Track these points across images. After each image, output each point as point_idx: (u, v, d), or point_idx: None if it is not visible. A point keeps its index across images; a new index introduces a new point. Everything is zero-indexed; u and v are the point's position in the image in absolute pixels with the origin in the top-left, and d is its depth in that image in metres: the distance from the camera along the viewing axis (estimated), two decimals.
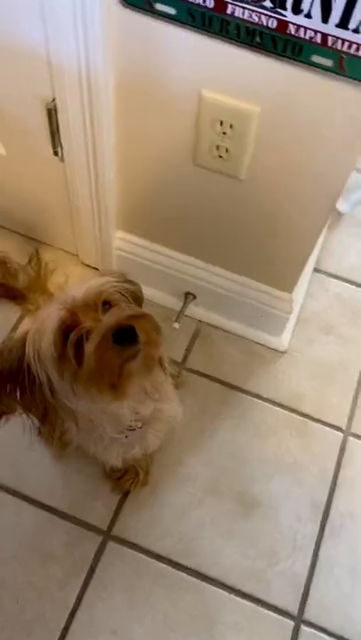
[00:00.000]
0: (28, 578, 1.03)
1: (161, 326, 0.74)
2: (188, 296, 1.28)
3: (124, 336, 0.67)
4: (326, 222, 0.98)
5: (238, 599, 1.04)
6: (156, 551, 1.06)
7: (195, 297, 1.28)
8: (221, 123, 0.86)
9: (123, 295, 0.76)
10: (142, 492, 1.10)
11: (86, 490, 1.10)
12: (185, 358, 1.26)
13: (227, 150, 0.90)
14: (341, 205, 1.47)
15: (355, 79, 0.73)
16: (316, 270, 1.40)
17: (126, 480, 1.07)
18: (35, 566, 1.04)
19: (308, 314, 1.34)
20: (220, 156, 0.91)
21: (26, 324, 1.03)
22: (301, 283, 1.33)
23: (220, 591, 1.04)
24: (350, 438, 1.20)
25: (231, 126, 0.86)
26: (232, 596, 1.04)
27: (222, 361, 1.27)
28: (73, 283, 1.14)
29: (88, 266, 1.33)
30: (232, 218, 1.04)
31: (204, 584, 1.05)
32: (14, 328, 1.25)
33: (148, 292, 1.29)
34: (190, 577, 1.05)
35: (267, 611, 1.03)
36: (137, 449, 0.90)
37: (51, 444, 1.07)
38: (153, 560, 1.05)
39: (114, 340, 0.67)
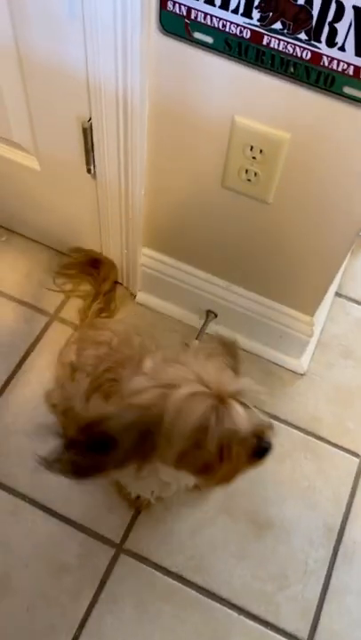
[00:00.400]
0: (39, 587, 1.04)
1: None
2: (210, 314, 1.29)
3: (265, 451, 0.72)
4: (352, 246, 0.99)
5: (247, 621, 1.04)
6: (168, 567, 1.06)
7: (216, 315, 1.29)
8: (252, 148, 0.88)
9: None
10: (157, 507, 1.10)
11: (102, 502, 1.11)
12: None
13: (255, 174, 0.92)
14: None
15: None
16: (337, 294, 1.41)
17: (143, 500, 1.08)
18: (47, 576, 1.05)
19: (329, 337, 1.35)
20: (249, 180, 0.94)
21: (75, 340, 1.05)
22: (323, 306, 1.34)
23: (230, 611, 1.04)
24: None
25: (261, 151, 0.88)
26: (241, 617, 1.04)
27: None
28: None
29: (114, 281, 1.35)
30: (258, 240, 1.06)
31: (213, 603, 1.04)
32: (38, 338, 1.28)
33: (169, 308, 1.33)
34: (200, 595, 1.04)
35: (275, 634, 1.03)
36: (174, 486, 0.92)
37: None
38: (164, 576, 1.05)
39: (255, 454, 0.72)
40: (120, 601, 1.03)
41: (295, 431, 1.22)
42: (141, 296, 1.34)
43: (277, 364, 1.30)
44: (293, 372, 1.29)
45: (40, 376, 1.23)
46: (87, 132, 0.98)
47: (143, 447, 0.70)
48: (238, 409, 0.69)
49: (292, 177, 0.91)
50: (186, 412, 0.67)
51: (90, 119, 0.97)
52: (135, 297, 1.34)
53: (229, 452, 0.70)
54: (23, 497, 1.10)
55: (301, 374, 1.29)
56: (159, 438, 0.69)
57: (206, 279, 1.22)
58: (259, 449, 0.72)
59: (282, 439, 1.21)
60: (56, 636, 1.00)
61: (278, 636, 1.03)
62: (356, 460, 1.20)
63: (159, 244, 1.21)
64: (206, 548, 1.09)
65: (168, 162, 0.99)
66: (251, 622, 1.04)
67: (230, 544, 1.09)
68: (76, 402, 0.92)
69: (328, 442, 1.21)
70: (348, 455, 1.20)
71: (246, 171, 0.92)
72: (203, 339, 1.27)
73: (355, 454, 1.20)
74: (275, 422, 1.22)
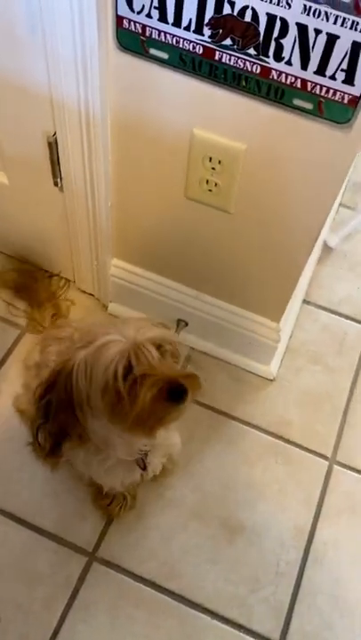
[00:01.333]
0: (12, 596, 1.04)
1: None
2: (180, 323, 1.31)
3: (177, 394, 0.73)
4: (310, 254, 1.02)
5: (221, 624, 1.04)
6: (140, 574, 1.07)
7: (186, 324, 1.32)
8: (211, 159, 0.92)
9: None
10: (129, 514, 1.11)
11: (74, 511, 1.11)
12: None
13: (216, 184, 0.95)
14: (331, 240, 1.53)
15: (332, 121, 0.78)
16: (305, 302, 1.44)
17: (115, 506, 1.09)
18: (20, 585, 1.05)
19: (297, 344, 1.38)
20: (210, 190, 0.97)
21: (39, 341, 1.06)
22: (291, 313, 1.37)
23: (203, 616, 1.05)
24: (335, 467, 1.21)
25: (220, 162, 0.92)
26: (215, 621, 1.05)
27: (212, 387, 1.30)
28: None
29: (84, 292, 1.37)
30: (222, 249, 1.09)
31: (186, 608, 1.05)
32: (9, 351, 1.29)
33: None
34: (173, 601, 1.05)
35: (248, 636, 1.04)
36: (137, 474, 0.94)
37: (42, 458, 1.12)
38: (137, 583, 1.06)
39: (167, 396, 0.73)
40: (93, 608, 1.04)
41: (266, 435, 1.24)
42: (113, 307, 1.35)
43: (247, 371, 1.32)
44: (263, 377, 1.32)
45: (12, 387, 1.23)
46: (52, 146, 1.01)
47: (75, 402, 0.75)
48: (147, 350, 0.73)
49: (250, 186, 0.94)
50: (98, 360, 0.73)
51: (55, 133, 0.99)
52: (107, 308, 1.36)
53: (141, 395, 0.72)
54: None
55: (271, 380, 1.32)
56: (83, 392, 0.75)
57: (176, 288, 1.24)
58: (171, 391, 0.73)
59: (253, 443, 1.23)
60: None
61: (251, 639, 1.04)
62: (326, 463, 1.22)
63: (129, 255, 1.23)
64: (179, 554, 1.10)
65: (132, 174, 1.02)
66: (224, 626, 1.04)
67: (202, 549, 1.11)
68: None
69: (298, 445, 1.24)
70: (317, 458, 1.22)
71: (207, 181, 0.95)
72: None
73: (324, 457, 1.23)
74: (247, 427, 1.25)
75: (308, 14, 0.68)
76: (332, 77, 0.73)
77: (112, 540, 1.10)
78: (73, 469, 1.05)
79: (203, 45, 0.77)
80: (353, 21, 0.67)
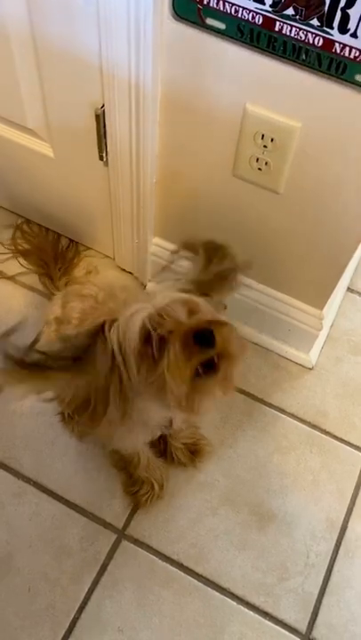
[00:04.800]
0: (41, 568, 1.05)
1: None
2: (220, 306, 1.29)
3: (203, 337, 0.68)
4: (358, 240, 0.98)
5: (246, 610, 1.04)
6: (168, 554, 1.07)
7: (225, 307, 1.29)
8: (263, 136, 0.88)
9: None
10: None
11: (105, 487, 1.12)
12: None
13: (266, 163, 0.92)
14: None
15: None
16: (349, 290, 1.40)
17: (142, 494, 1.08)
18: (49, 558, 1.06)
19: (339, 333, 1.34)
20: (260, 169, 0.93)
21: (54, 307, 1.04)
22: (334, 301, 1.33)
23: (229, 601, 1.04)
24: None
25: (272, 140, 0.88)
26: (240, 606, 1.04)
27: (249, 372, 1.28)
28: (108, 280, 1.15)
29: (123, 270, 1.36)
30: (268, 231, 1.05)
31: (213, 592, 1.05)
32: None
33: None
34: (200, 583, 1.05)
35: (274, 625, 1.03)
36: (157, 430, 0.93)
37: (71, 427, 1.13)
38: (164, 563, 1.06)
39: (194, 340, 0.68)
40: (120, 586, 1.04)
41: (301, 424, 1.22)
42: (151, 286, 1.34)
43: (286, 358, 1.29)
44: (302, 365, 1.29)
45: None
46: (100, 119, 0.99)
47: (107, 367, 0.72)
48: (171, 309, 0.69)
49: (302, 167, 0.90)
50: (129, 329, 0.70)
51: (103, 105, 0.97)
52: (145, 287, 1.34)
53: (169, 349, 0.68)
54: (28, 480, 1.12)
55: (310, 368, 1.29)
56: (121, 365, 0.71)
57: None
58: (197, 335, 0.68)
59: (287, 432, 1.21)
60: (55, 617, 1.01)
61: (277, 627, 1.03)
62: None
63: (170, 234, 1.21)
64: (207, 538, 1.09)
65: (180, 150, 1.00)
66: (250, 612, 1.04)
67: (232, 534, 1.10)
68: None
69: (334, 436, 1.21)
70: (353, 450, 1.19)
71: (257, 159, 0.92)
72: None
73: (360, 449, 1.20)
74: (282, 415, 1.23)
75: None
76: None
77: (141, 519, 1.09)
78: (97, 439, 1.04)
79: (263, 15, 0.73)
80: None
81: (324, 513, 1.13)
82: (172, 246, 1.22)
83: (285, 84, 0.80)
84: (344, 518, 1.12)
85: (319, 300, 1.15)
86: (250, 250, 1.12)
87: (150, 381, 0.71)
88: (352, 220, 0.94)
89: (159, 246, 1.24)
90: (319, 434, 1.21)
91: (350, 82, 0.75)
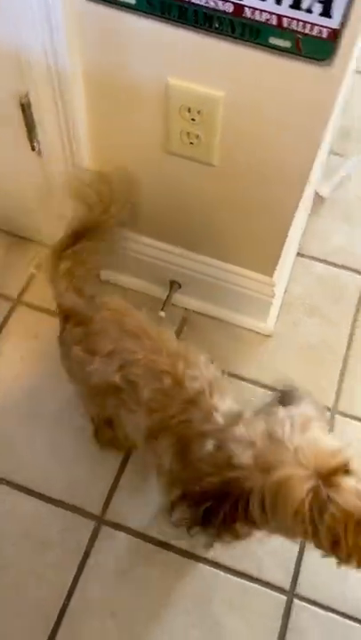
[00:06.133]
0: (26, 565, 1.05)
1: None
2: (174, 284, 1.30)
3: None
4: (299, 203, 1.00)
5: (232, 577, 1.06)
6: (150, 534, 1.08)
7: (180, 285, 1.30)
8: (189, 109, 0.88)
9: None
10: (135, 477, 1.12)
11: (79, 477, 1.12)
12: None
13: (197, 136, 0.92)
14: (323, 189, 1.49)
15: (312, 58, 0.74)
16: (299, 254, 1.42)
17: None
18: (32, 553, 1.06)
19: (293, 298, 1.36)
20: (192, 143, 0.93)
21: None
22: (284, 267, 1.35)
23: (215, 570, 1.06)
24: (338, 417, 1.21)
25: (199, 112, 0.88)
26: (227, 575, 1.06)
27: (210, 347, 1.26)
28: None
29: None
30: (209, 204, 1.06)
31: (198, 564, 1.07)
32: (2, 325, 1.28)
33: (134, 282, 1.33)
34: (185, 558, 1.06)
35: (259, 586, 1.05)
36: None
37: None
38: (147, 542, 1.07)
39: None
40: (104, 570, 1.05)
41: (265, 390, 1.24)
42: (105, 274, 1.33)
43: (245, 328, 1.31)
44: (261, 333, 1.31)
45: (9, 361, 1.23)
46: (26, 108, 0.97)
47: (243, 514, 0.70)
48: (345, 486, 0.63)
49: (233, 136, 0.91)
50: (284, 499, 0.65)
51: (27, 94, 0.96)
52: (99, 275, 1.34)
53: (347, 538, 0.64)
54: (0, 480, 1.11)
55: (269, 335, 1.31)
56: (261, 515, 0.69)
57: (166, 249, 1.22)
58: None
59: (253, 398, 1.23)
60: (45, 609, 1.02)
61: (262, 588, 1.05)
62: (328, 414, 1.22)
63: None
64: None
65: (111, 132, 0.99)
66: (235, 578, 1.06)
67: None
68: (137, 438, 0.90)
69: None
70: None
71: (188, 134, 0.92)
72: (168, 309, 1.28)
73: (326, 408, 1.22)
74: (246, 383, 1.24)
75: None
76: (309, 10, 0.70)
77: (119, 502, 1.10)
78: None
79: None
80: None
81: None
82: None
83: (203, 53, 0.80)
84: None
85: (268, 267, 1.17)
86: (194, 225, 1.13)
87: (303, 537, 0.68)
88: (288, 182, 0.95)
89: None
90: None
91: (265, 45, 0.76)
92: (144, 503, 1.11)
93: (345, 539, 0.64)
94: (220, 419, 0.79)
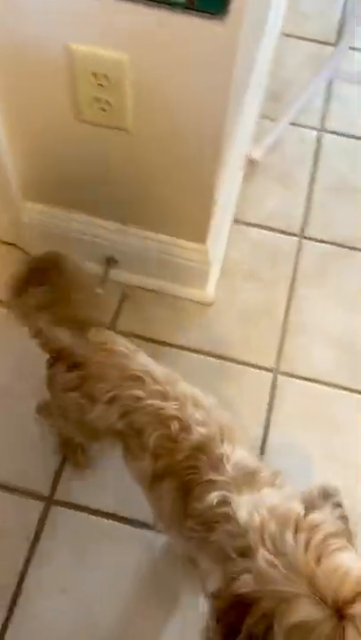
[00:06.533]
0: None
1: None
2: (109, 260, 1.28)
3: None
4: (218, 165, 0.98)
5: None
6: (99, 508, 1.08)
7: (116, 261, 1.28)
8: (95, 74, 0.86)
9: None
10: (82, 456, 1.11)
11: (25, 460, 1.11)
12: (114, 322, 1.28)
13: (108, 102, 0.90)
14: (255, 153, 1.49)
15: (206, 12, 0.73)
16: (235, 221, 1.42)
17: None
18: None
19: (231, 264, 1.36)
20: (103, 110, 0.92)
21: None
22: (220, 234, 1.35)
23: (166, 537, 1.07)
24: (280, 377, 1.23)
25: (106, 77, 0.86)
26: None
27: (151, 320, 1.29)
28: None
29: (5, 242, 1.32)
30: (130, 172, 1.04)
31: (150, 533, 1.07)
32: None
33: None
34: (134, 528, 1.07)
35: None
36: None
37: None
38: (96, 517, 1.07)
39: None
40: (56, 550, 1.05)
41: (209, 358, 1.25)
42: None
43: (185, 298, 1.31)
44: (201, 303, 1.31)
45: None
46: None
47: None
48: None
49: (144, 99, 0.89)
50: (301, 635, 0.57)
51: None
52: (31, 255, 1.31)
53: None
54: None
55: (209, 304, 1.31)
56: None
57: (96, 224, 1.20)
58: None
59: (196, 368, 1.23)
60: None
61: None
62: (270, 375, 1.23)
63: (40, 196, 1.18)
64: (135, 486, 1.11)
65: (22, 105, 0.96)
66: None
67: None
68: (142, 483, 0.85)
69: (242, 362, 1.24)
70: (261, 372, 1.24)
71: (97, 100, 0.90)
72: (107, 286, 1.27)
73: (268, 369, 1.24)
74: (189, 353, 1.24)
75: None
76: None
77: (67, 481, 1.10)
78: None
79: None
80: None
81: (245, 435, 1.17)
82: (48, 209, 1.20)
83: (102, 16, 0.78)
84: (263, 433, 1.16)
85: (200, 234, 1.16)
86: (119, 196, 1.12)
87: None
88: (204, 144, 0.94)
89: (34, 210, 1.20)
90: (228, 363, 1.24)
91: (163, 2, 0.74)
92: (92, 480, 1.10)
93: None
94: (229, 469, 0.73)
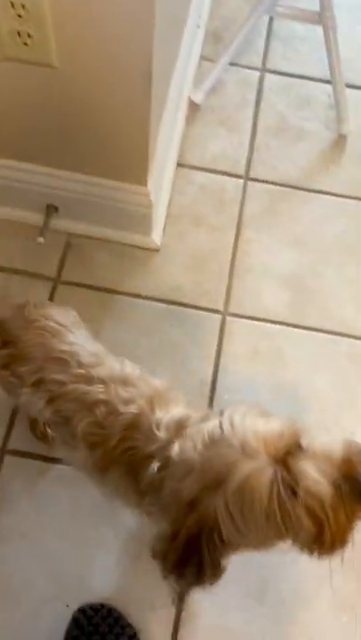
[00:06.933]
0: None
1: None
2: (50, 208, 1.25)
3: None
4: (150, 103, 0.96)
5: None
6: (55, 455, 1.08)
7: (57, 209, 1.26)
8: (12, 4, 0.82)
9: None
10: None
11: None
12: (59, 273, 1.26)
13: (29, 35, 0.86)
14: (196, 96, 1.46)
15: None
16: (179, 165, 1.40)
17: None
18: None
19: (177, 209, 1.35)
20: (26, 44, 0.88)
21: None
22: (164, 179, 1.33)
23: None
24: (228, 318, 1.24)
25: (24, 7, 0.82)
26: None
27: (98, 268, 1.28)
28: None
29: None
30: (62, 113, 1.01)
31: None
32: None
33: (6, 212, 1.27)
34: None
35: None
36: None
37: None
38: (51, 464, 1.08)
39: (355, 498, 0.60)
40: (13, 498, 1.05)
41: (157, 304, 1.24)
42: None
43: (131, 245, 1.30)
44: (148, 249, 1.30)
45: None
46: None
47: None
48: (306, 469, 0.59)
49: (67, 31, 0.85)
50: (250, 504, 0.59)
51: None
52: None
53: (329, 520, 0.60)
54: None
55: (156, 250, 1.30)
56: (236, 535, 0.61)
57: (34, 171, 1.17)
58: (357, 490, 0.60)
59: (145, 315, 1.23)
60: None
61: None
62: (219, 317, 1.24)
63: None
64: None
65: None
66: None
67: None
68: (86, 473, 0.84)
69: (191, 306, 1.25)
70: (210, 314, 1.24)
71: (19, 33, 0.86)
72: (49, 235, 1.24)
73: (217, 312, 1.25)
74: (138, 300, 1.24)
75: None
76: None
77: (19, 430, 1.10)
78: None
79: None
80: None
81: (197, 377, 1.18)
82: None
83: None
84: (213, 373, 1.18)
85: (139, 176, 1.14)
86: (52, 138, 1.08)
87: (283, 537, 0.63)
88: (137, 83, 0.92)
89: None
90: (176, 307, 1.24)
91: None
92: None
93: (327, 522, 0.60)
94: (162, 434, 0.71)
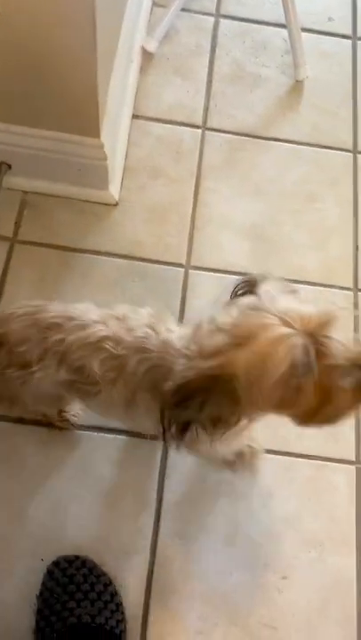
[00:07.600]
0: None
1: None
2: (2, 166, 1.21)
3: None
4: (95, 51, 0.92)
5: (108, 435, 1.09)
6: (24, 417, 1.08)
7: (9, 166, 1.22)
8: None
9: None
10: None
11: None
12: (16, 232, 1.23)
13: None
14: (149, 44, 1.41)
15: None
16: (134, 117, 1.36)
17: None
18: None
19: (134, 162, 1.32)
20: None
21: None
22: (120, 131, 1.30)
23: (91, 433, 1.09)
24: (191, 271, 1.23)
25: None
26: (102, 434, 1.09)
27: (56, 226, 1.25)
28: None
29: None
30: (6, 62, 0.97)
31: (75, 432, 1.09)
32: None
33: None
34: (59, 431, 1.08)
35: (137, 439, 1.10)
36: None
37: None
38: (16, 425, 1.08)
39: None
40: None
41: (118, 260, 1.23)
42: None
43: (89, 201, 1.27)
44: (106, 204, 1.27)
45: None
46: None
47: (232, 399, 0.65)
48: (333, 343, 0.64)
49: None
50: (274, 360, 0.62)
51: None
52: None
53: (331, 391, 0.65)
54: None
55: (114, 204, 1.28)
56: (250, 394, 0.64)
57: None
58: None
59: (107, 270, 1.22)
60: None
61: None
62: (181, 270, 1.23)
63: None
64: None
65: None
66: (113, 435, 1.10)
67: None
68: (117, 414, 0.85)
69: (152, 261, 1.24)
70: (173, 268, 1.23)
71: None
72: (2, 194, 1.21)
73: (179, 265, 1.24)
74: (98, 257, 1.22)
75: None
76: None
77: None
78: None
79: None
80: None
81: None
82: None
83: None
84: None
85: (91, 127, 1.11)
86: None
87: (292, 407, 0.67)
88: (81, 29, 0.88)
89: None
90: (138, 262, 1.23)
91: None
92: None
93: (330, 401, 0.65)
94: (177, 345, 0.73)
